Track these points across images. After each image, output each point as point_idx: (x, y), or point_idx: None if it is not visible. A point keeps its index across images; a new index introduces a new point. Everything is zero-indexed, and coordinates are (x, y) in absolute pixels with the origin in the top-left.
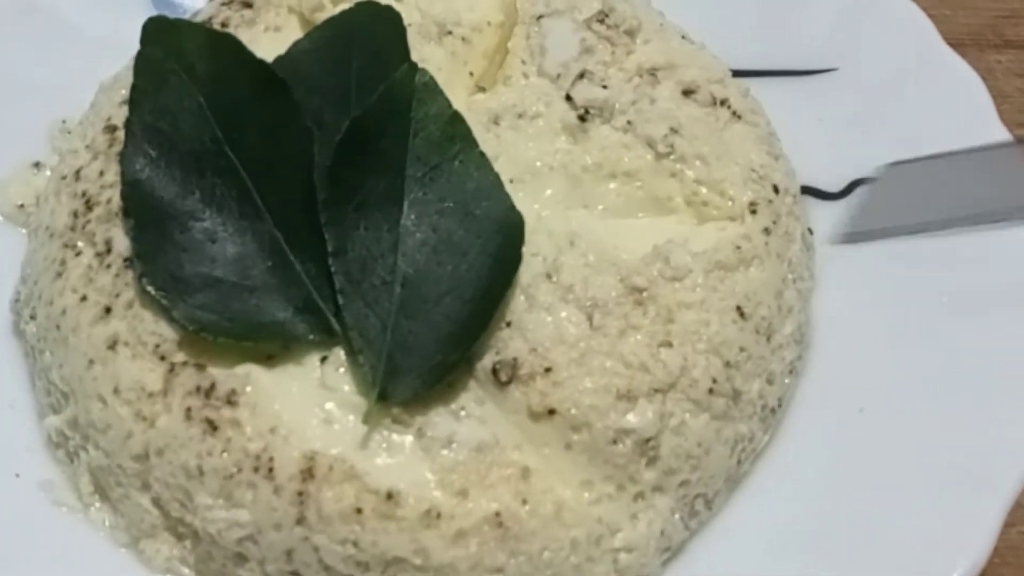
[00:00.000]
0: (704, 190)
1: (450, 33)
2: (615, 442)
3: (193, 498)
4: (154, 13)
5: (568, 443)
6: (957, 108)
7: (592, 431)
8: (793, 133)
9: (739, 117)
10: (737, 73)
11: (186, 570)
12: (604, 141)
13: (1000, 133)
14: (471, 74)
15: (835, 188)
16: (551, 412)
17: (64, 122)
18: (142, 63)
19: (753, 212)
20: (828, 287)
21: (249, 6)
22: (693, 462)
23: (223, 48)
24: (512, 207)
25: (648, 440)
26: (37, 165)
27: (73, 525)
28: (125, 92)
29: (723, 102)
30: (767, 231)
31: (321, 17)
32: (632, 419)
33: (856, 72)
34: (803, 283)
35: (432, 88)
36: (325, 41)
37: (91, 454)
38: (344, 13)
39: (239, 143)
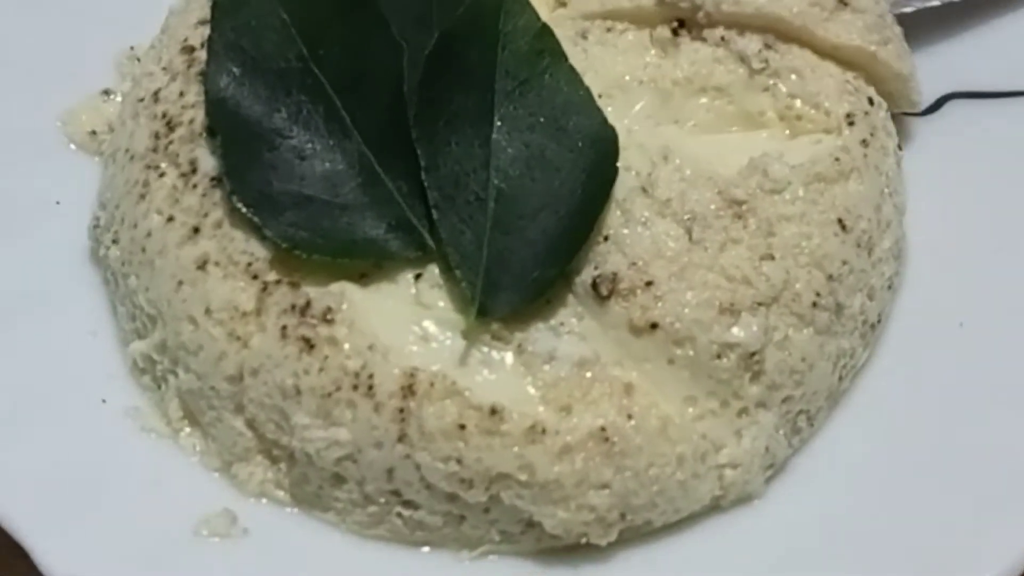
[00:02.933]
0: (799, 103)
1: None
2: (719, 356)
3: (290, 418)
4: None
5: (671, 358)
6: None
7: (695, 345)
8: None
9: (845, 3)
10: None
11: (281, 493)
12: (695, 55)
13: None
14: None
15: (923, 102)
16: (653, 326)
17: (132, 48)
18: None
19: (851, 124)
20: (920, 202)
21: None
22: (797, 377)
23: None
24: (605, 121)
25: (752, 354)
26: (107, 92)
27: (163, 450)
28: (200, 13)
29: None
30: (865, 143)
31: None
32: (736, 333)
33: None
34: (899, 197)
35: (521, 2)
36: None
37: (181, 378)
38: None
39: (325, 60)
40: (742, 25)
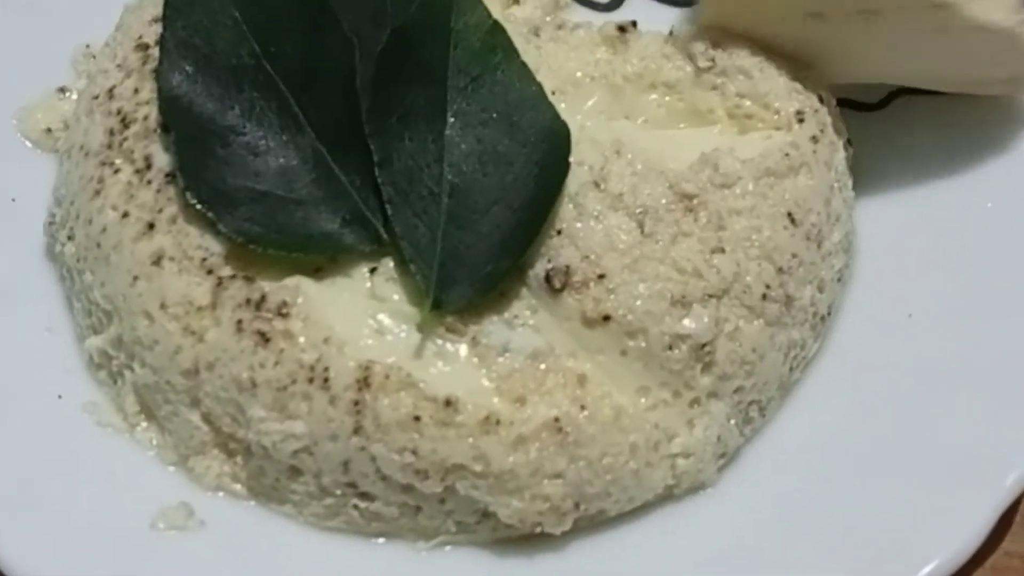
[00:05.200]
0: (748, 103)
1: None
2: (671, 348)
3: (246, 411)
4: None
5: (623, 349)
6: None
7: (648, 337)
8: None
9: None
10: None
11: (238, 486)
12: (644, 51)
13: None
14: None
15: (873, 99)
16: (606, 318)
17: (88, 46)
18: None
19: (800, 121)
20: (870, 197)
21: None
22: (748, 368)
23: None
24: (557, 116)
25: (704, 345)
26: (62, 90)
27: (120, 445)
28: (154, 11)
29: None
30: (814, 139)
31: None
32: (688, 324)
33: None
34: (848, 192)
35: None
36: None
37: (137, 372)
38: None
39: (277, 56)
40: (881, 3)
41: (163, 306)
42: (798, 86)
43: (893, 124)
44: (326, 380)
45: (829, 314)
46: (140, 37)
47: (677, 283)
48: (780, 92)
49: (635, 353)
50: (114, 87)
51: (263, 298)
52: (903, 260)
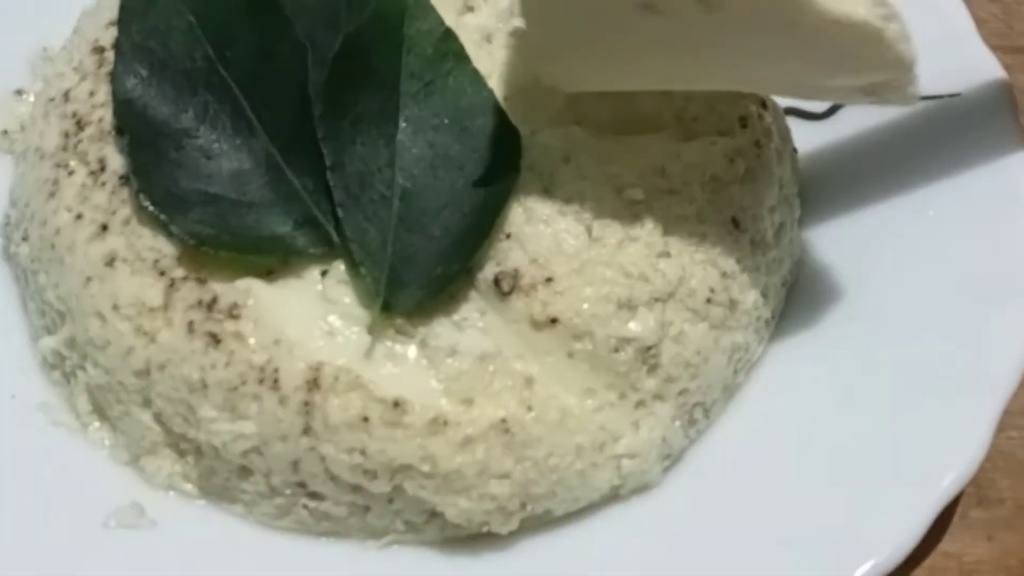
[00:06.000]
0: (693, 106)
1: None
2: (617, 350)
3: (196, 412)
4: None
5: (570, 351)
6: (939, 27)
7: (594, 339)
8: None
9: None
10: None
11: (189, 486)
12: None
13: (980, 50)
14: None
15: (819, 109)
16: (553, 321)
17: (45, 49)
18: None
19: (744, 126)
20: (816, 204)
21: None
22: (692, 370)
23: None
24: (507, 122)
25: (649, 348)
26: (19, 92)
27: (72, 444)
28: (110, 14)
29: None
30: (758, 144)
31: None
32: (633, 327)
33: None
34: (793, 199)
35: (424, 5)
36: None
37: (89, 373)
38: None
39: (231, 60)
40: None
41: (115, 307)
42: (743, 92)
43: (839, 133)
44: (276, 381)
45: (773, 318)
46: (96, 40)
47: (623, 287)
48: (724, 95)
49: (582, 355)
50: (70, 90)
51: (214, 300)
52: (847, 267)
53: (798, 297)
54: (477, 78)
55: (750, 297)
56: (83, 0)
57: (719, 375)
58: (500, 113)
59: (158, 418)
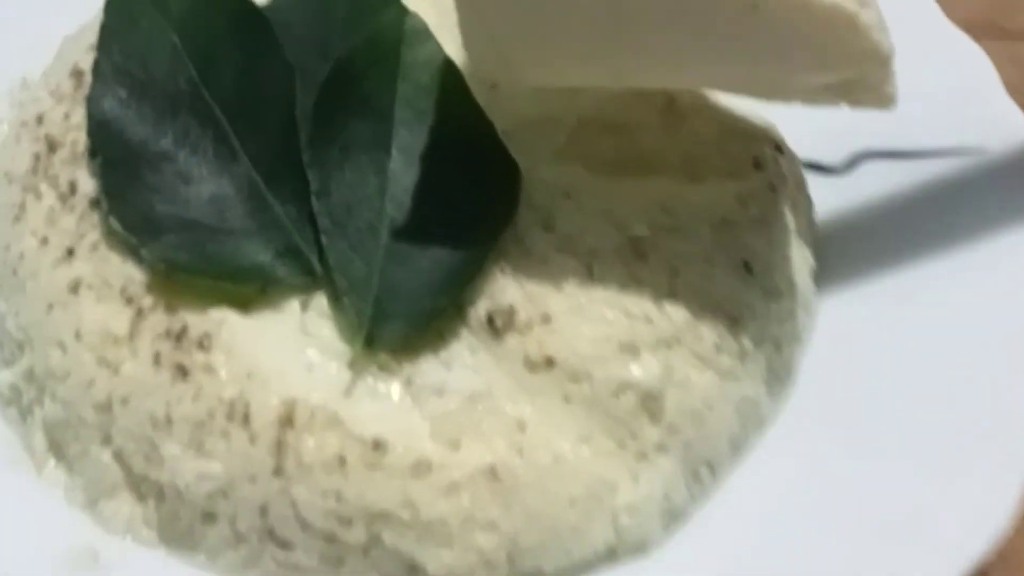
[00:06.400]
0: (701, 147)
1: None
2: (617, 395)
3: (159, 449)
4: None
5: (566, 394)
6: (961, 79)
7: (592, 382)
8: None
9: None
10: None
11: (148, 532)
12: (598, 93)
13: (1006, 106)
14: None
15: (836, 161)
16: (549, 361)
17: (24, 79)
18: (112, 3)
19: (758, 168)
20: (832, 261)
21: None
22: (697, 421)
23: None
24: (507, 155)
25: (652, 394)
26: None
27: (26, 485)
28: (92, 38)
29: None
30: (773, 188)
31: None
32: (635, 371)
33: None
34: (807, 250)
35: (423, 33)
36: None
37: (47, 407)
38: None
39: (215, 83)
40: None
41: (78, 335)
42: (756, 131)
43: (857, 189)
44: (246, 417)
45: (786, 374)
46: (76, 64)
47: (625, 328)
48: (736, 136)
49: (579, 398)
50: (44, 113)
51: (184, 329)
52: (865, 326)
53: (812, 354)
54: (476, 109)
55: (761, 348)
56: (67, 30)
57: (726, 428)
58: (499, 146)
59: (118, 457)
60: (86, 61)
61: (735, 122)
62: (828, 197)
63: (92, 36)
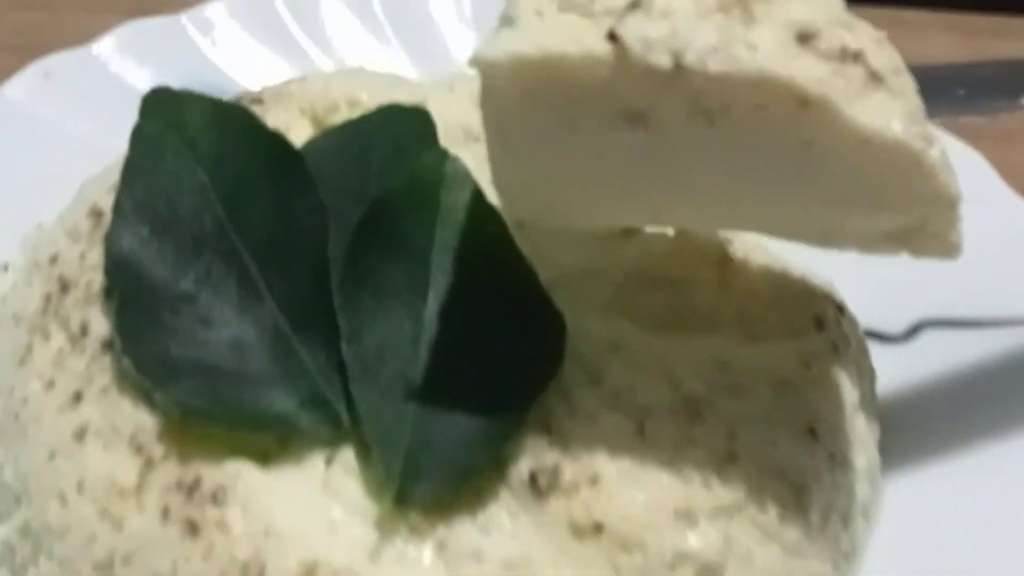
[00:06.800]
0: (758, 306)
1: (478, 139)
2: (673, 567)
3: None
4: None
5: (617, 566)
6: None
7: (646, 552)
8: (845, 275)
9: (880, 79)
10: None
11: None
12: (647, 246)
13: None
14: None
15: (896, 330)
16: (597, 527)
17: (40, 225)
18: (138, 138)
19: (820, 328)
20: (894, 432)
21: (259, 102)
22: None
23: (231, 120)
24: (552, 305)
25: (711, 567)
26: (5, 267)
27: None
28: (114, 179)
29: (856, 56)
30: (836, 349)
31: (336, 119)
32: (693, 540)
33: None
34: (872, 420)
35: (464, 178)
36: (342, 139)
37: (42, 567)
38: (365, 115)
39: (243, 223)
40: (731, 97)
41: (81, 487)
42: (815, 289)
43: (918, 360)
44: None
45: (853, 553)
46: (95, 204)
47: (681, 493)
48: (795, 294)
49: (630, 571)
50: (59, 253)
51: (197, 482)
52: (931, 505)
53: (879, 534)
54: (519, 257)
55: (829, 522)
56: (85, 174)
57: None
58: (543, 296)
59: None
60: (106, 201)
61: (793, 279)
62: (888, 367)
63: (113, 177)
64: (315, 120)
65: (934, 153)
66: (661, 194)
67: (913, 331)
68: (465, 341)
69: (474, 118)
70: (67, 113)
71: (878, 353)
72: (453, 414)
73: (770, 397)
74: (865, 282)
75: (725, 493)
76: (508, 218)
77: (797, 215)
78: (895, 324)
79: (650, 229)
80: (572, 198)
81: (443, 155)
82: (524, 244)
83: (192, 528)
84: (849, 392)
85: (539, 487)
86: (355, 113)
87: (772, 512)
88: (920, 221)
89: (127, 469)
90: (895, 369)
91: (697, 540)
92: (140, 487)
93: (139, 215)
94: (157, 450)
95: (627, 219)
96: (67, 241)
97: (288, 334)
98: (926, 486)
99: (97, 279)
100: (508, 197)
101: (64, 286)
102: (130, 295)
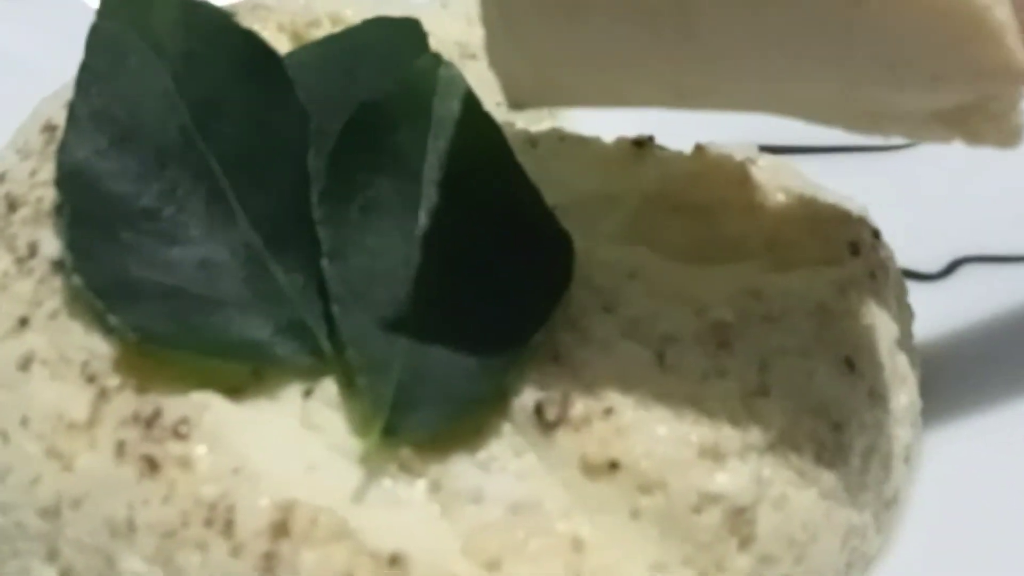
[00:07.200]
0: (791, 229)
1: (474, 57)
2: (698, 510)
3: (116, 564)
4: None
5: (635, 509)
6: None
7: (668, 493)
8: (878, 211)
9: None
10: (801, 150)
11: None
12: (666, 168)
13: None
14: (497, 105)
15: (933, 268)
16: (613, 465)
17: None
18: (96, 38)
19: (855, 254)
20: (933, 375)
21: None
22: (797, 551)
23: (201, 19)
24: (555, 222)
25: (742, 511)
26: None
27: None
28: (69, 96)
29: None
30: (873, 276)
31: (318, 35)
32: (722, 480)
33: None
34: (913, 354)
35: (459, 84)
36: (325, 51)
37: None
38: (350, 28)
39: (214, 132)
40: None
41: (24, 422)
42: (850, 214)
43: (957, 298)
44: (230, 524)
45: (894, 503)
46: (48, 120)
47: (707, 428)
48: (827, 218)
49: (650, 515)
50: (6, 171)
51: (156, 414)
52: (973, 452)
53: (924, 480)
54: (519, 173)
55: (870, 464)
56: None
57: (830, 563)
58: (547, 213)
59: (66, 575)
60: (61, 116)
61: (824, 202)
62: (925, 307)
63: (70, 93)
64: (295, 37)
65: (1000, 13)
66: (687, 69)
67: (951, 268)
68: (461, 261)
69: (469, 35)
70: (23, 35)
71: (914, 292)
72: (449, 340)
73: (805, 325)
74: (898, 217)
75: (756, 429)
76: (513, 134)
77: (841, 93)
78: (931, 261)
79: (661, 156)
80: (584, 74)
81: (436, 60)
82: (530, 167)
83: (151, 465)
84: (888, 325)
85: (546, 420)
86: (339, 29)
87: (808, 452)
88: (979, 99)
89: (77, 401)
90: (932, 308)
91: (726, 480)
92: (92, 421)
93: (96, 124)
94: (112, 380)
95: (644, 99)
96: (16, 159)
97: (263, 254)
98: (967, 433)
99: (48, 196)
100: (507, 76)
101: (11, 205)
102: (83, 209)
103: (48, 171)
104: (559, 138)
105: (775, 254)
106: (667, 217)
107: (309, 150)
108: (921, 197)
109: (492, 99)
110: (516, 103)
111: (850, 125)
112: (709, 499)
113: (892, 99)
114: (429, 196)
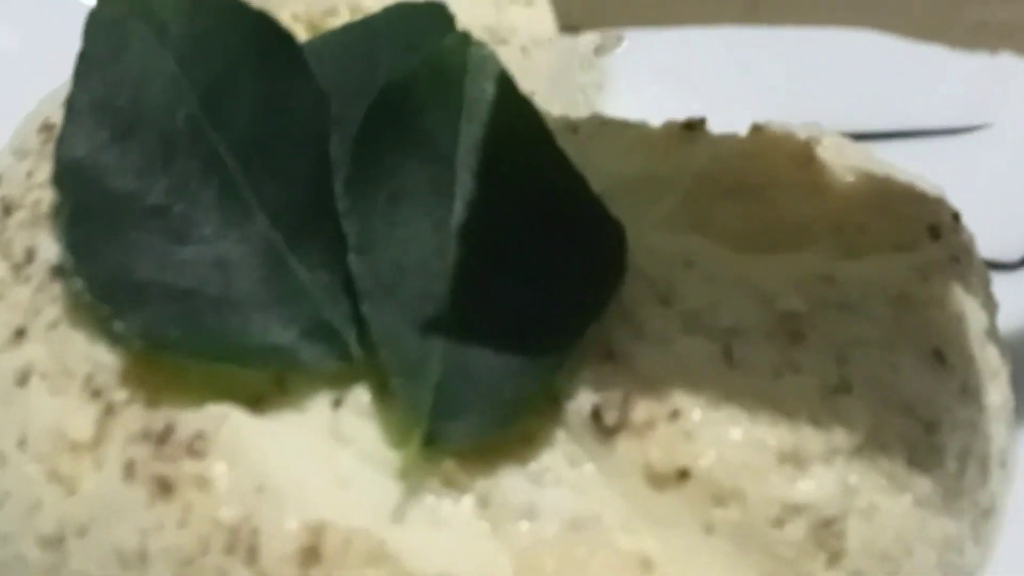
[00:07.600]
0: (861, 212)
1: (505, 42)
2: (780, 523)
3: None
4: None
5: (708, 522)
6: None
7: (745, 504)
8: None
9: None
10: (868, 136)
11: None
12: (718, 150)
13: None
14: (532, 94)
15: (1012, 257)
16: (683, 474)
17: None
18: (95, 24)
19: (935, 237)
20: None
21: None
22: (890, 567)
23: (208, 1)
24: (605, 211)
25: (830, 522)
26: None
27: None
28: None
29: None
30: (957, 261)
31: (335, 24)
32: (804, 489)
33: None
34: (1004, 348)
35: (491, 65)
36: (344, 39)
37: None
38: (371, 16)
39: (224, 119)
40: None
41: (22, 442)
42: (927, 195)
43: None
44: (253, 549)
45: (992, 511)
46: (46, 118)
47: (786, 431)
48: (904, 200)
49: (726, 528)
50: (3, 173)
51: (169, 429)
52: None
53: (1017, 491)
54: (561, 158)
55: (966, 468)
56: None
57: None
58: (594, 201)
59: None
60: (59, 115)
61: (898, 182)
62: (1007, 298)
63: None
64: (311, 27)
65: None
66: None
67: None
68: (502, 252)
69: (498, 19)
70: (22, 35)
71: (994, 282)
72: (492, 337)
73: (886, 314)
74: (973, 203)
75: (839, 430)
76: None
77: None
78: (1011, 249)
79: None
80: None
81: (466, 39)
82: (571, 152)
83: (164, 487)
84: (977, 313)
85: (605, 425)
86: (358, 18)
87: (899, 455)
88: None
89: (81, 418)
90: (1014, 300)
91: (810, 488)
92: (97, 440)
93: (96, 116)
94: (118, 394)
95: (709, 14)
96: (13, 159)
97: (283, 250)
98: None
99: (46, 198)
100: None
101: (7, 208)
102: (85, 207)
103: (46, 172)
104: (601, 123)
105: (843, 239)
106: (720, 200)
107: (330, 136)
108: (997, 182)
109: (525, 86)
110: (569, 24)
111: (952, 40)
112: (792, 510)
113: (1003, 7)
114: (464, 183)
